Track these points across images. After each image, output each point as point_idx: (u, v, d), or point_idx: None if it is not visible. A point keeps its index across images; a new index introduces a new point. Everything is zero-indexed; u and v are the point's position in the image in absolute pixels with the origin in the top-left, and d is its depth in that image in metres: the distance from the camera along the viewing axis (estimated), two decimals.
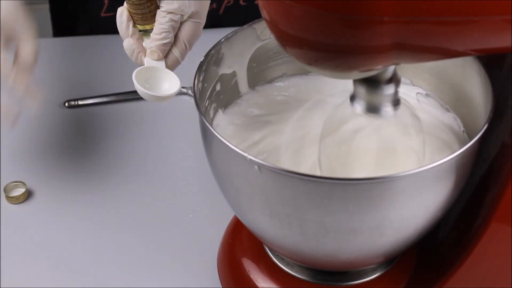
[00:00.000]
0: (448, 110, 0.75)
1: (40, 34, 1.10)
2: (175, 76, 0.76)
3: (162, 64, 0.77)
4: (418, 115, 0.67)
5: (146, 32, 0.84)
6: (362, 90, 0.61)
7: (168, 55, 0.77)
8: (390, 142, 0.69)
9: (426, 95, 0.76)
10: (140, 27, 0.85)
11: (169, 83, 0.76)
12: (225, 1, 1.18)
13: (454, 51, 0.56)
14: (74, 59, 1.15)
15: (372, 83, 0.61)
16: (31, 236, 0.87)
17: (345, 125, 0.69)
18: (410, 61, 0.58)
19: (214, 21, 1.19)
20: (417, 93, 0.76)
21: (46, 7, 1.28)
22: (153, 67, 0.76)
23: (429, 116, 0.74)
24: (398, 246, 0.68)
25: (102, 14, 1.19)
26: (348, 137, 0.69)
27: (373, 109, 0.62)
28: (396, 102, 0.63)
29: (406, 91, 0.76)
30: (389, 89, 0.61)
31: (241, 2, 1.18)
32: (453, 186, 0.64)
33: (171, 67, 0.77)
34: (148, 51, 0.77)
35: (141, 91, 0.73)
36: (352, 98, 0.63)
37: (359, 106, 0.63)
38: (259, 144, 0.74)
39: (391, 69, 0.60)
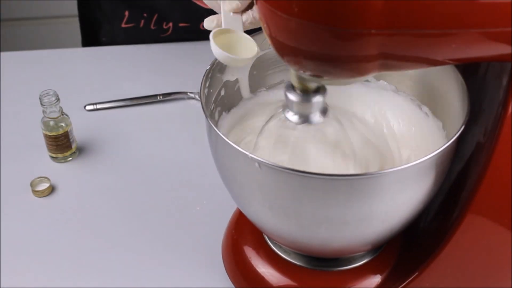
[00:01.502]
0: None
1: (71, 44, 1.10)
2: (252, 40, 0.69)
3: (239, 25, 0.70)
4: (342, 121, 0.68)
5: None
6: (293, 100, 0.62)
7: (245, 12, 0.71)
8: (325, 145, 0.69)
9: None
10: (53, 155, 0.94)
11: (246, 48, 0.69)
12: None
13: (434, 60, 0.56)
14: (95, 67, 1.15)
15: (302, 93, 0.62)
16: (53, 226, 0.88)
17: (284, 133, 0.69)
18: (395, 69, 0.58)
19: None
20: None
21: (76, 20, 1.29)
22: (230, 29, 0.69)
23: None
24: (384, 235, 0.68)
25: (123, 25, 1.19)
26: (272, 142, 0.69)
27: (304, 117, 0.63)
28: (324, 110, 0.63)
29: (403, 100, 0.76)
30: (317, 98, 0.62)
31: None
32: (433, 182, 0.64)
33: (247, 25, 0.71)
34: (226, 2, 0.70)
35: (219, 52, 0.66)
36: (284, 108, 0.64)
37: (292, 116, 0.64)
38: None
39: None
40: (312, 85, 0.62)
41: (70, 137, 0.95)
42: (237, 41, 0.70)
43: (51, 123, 0.93)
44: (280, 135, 0.68)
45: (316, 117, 0.64)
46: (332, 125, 0.67)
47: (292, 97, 0.63)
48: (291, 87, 0.63)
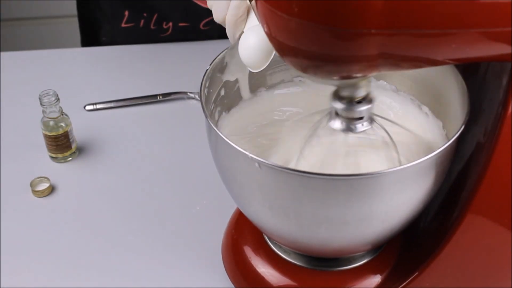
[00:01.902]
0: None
1: (71, 44, 1.10)
2: None
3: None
4: (389, 133, 0.67)
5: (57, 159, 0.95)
6: (339, 108, 0.62)
7: None
8: (358, 157, 0.69)
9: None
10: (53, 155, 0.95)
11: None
12: None
13: (434, 60, 0.56)
14: (95, 67, 1.15)
15: (348, 102, 0.61)
16: (53, 226, 0.88)
17: (323, 140, 0.69)
18: (394, 69, 0.58)
19: (223, 33, 1.19)
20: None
21: (75, 20, 1.29)
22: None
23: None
24: (384, 235, 0.68)
25: (122, 25, 1.19)
26: (324, 151, 0.69)
27: (348, 125, 0.63)
28: (370, 119, 0.63)
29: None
30: (363, 107, 0.62)
31: None
32: (433, 182, 0.64)
33: None
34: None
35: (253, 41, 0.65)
36: (330, 114, 0.63)
37: (335, 123, 0.63)
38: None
39: (365, 88, 0.61)
40: (359, 94, 0.61)
41: (70, 137, 0.95)
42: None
43: (51, 123, 0.93)
44: (331, 144, 0.68)
45: (362, 125, 0.63)
46: (378, 132, 0.67)
47: (338, 105, 0.62)
48: (337, 96, 0.62)
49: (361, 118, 0.62)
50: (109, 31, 1.21)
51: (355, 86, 0.61)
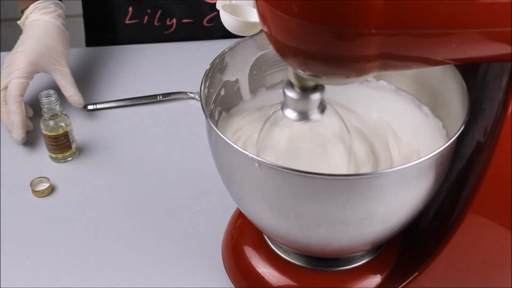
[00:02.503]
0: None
1: (74, 44, 1.11)
2: None
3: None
4: (343, 118, 0.68)
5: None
6: (292, 98, 0.62)
7: None
8: (320, 143, 0.69)
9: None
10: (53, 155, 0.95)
11: (254, 17, 0.71)
12: None
13: (434, 60, 0.56)
14: (95, 67, 1.15)
15: (301, 91, 0.62)
16: (53, 226, 0.88)
17: (279, 131, 0.69)
18: (395, 69, 0.58)
19: (226, 30, 1.19)
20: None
21: (77, 20, 1.29)
22: (238, 4, 0.72)
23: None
24: (384, 235, 0.68)
25: (127, 21, 1.18)
26: (282, 141, 0.70)
27: (303, 114, 0.63)
28: (322, 108, 0.63)
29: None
30: (315, 96, 0.62)
31: None
32: (433, 181, 0.64)
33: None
34: None
35: (228, 18, 0.69)
36: (283, 106, 0.64)
37: (290, 113, 0.63)
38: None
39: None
40: (311, 82, 0.62)
41: (70, 137, 0.95)
42: (246, 16, 0.72)
43: (51, 123, 0.93)
44: (276, 134, 0.68)
45: (314, 114, 0.64)
46: (332, 120, 0.67)
47: (291, 94, 0.63)
48: (289, 85, 0.63)
49: (312, 107, 0.63)
50: (114, 27, 1.21)
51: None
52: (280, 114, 0.65)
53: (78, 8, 1.31)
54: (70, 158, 0.96)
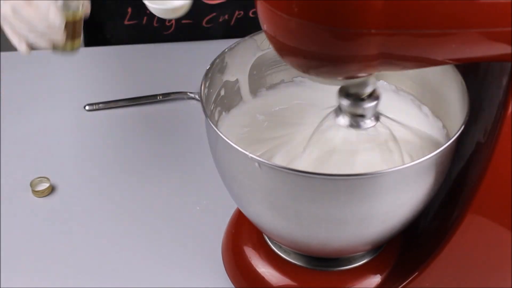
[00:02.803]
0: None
1: None
2: None
3: None
4: (394, 131, 0.68)
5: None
6: (345, 104, 0.62)
7: None
8: (372, 152, 0.70)
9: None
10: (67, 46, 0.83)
11: (177, 2, 0.74)
12: (236, 14, 1.18)
13: (434, 60, 0.56)
14: (95, 67, 1.15)
15: (355, 98, 0.61)
16: (53, 226, 0.88)
17: (329, 136, 0.69)
18: (395, 69, 0.58)
19: (226, 31, 1.19)
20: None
21: None
22: None
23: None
24: (384, 235, 0.68)
25: (126, 22, 1.18)
26: (330, 147, 0.70)
27: (355, 122, 0.63)
28: (376, 116, 0.63)
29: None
30: (370, 104, 0.62)
31: (250, 14, 1.18)
32: (433, 181, 0.64)
33: None
34: None
35: (152, 7, 0.72)
36: (336, 111, 0.64)
37: (342, 120, 0.63)
38: (266, 143, 0.74)
39: (371, 85, 0.61)
40: (365, 90, 0.61)
41: (78, 26, 0.84)
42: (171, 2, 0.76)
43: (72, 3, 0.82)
44: (332, 141, 0.69)
45: (367, 122, 0.63)
46: (382, 131, 0.67)
47: (345, 102, 0.62)
48: (343, 92, 0.62)
49: (365, 115, 0.63)
50: (113, 28, 1.21)
51: (362, 83, 0.61)
52: (328, 121, 0.65)
53: None
54: (76, 49, 0.85)
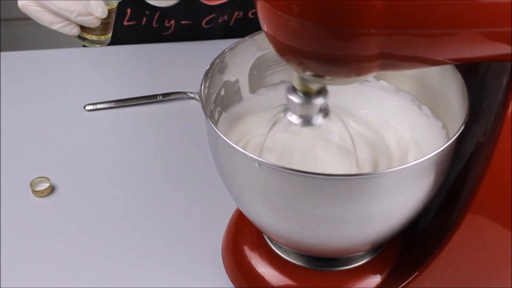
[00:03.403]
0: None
1: (71, 44, 1.10)
2: None
3: None
4: (347, 124, 0.68)
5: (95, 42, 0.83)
6: (295, 103, 0.62)
7: None
8: (323, 148, 0.70)
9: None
10: (95, 37, 0.83)
11: None
12: (235, 14, 1.18)
13: (434, 60, 0.56)
14: (95, 67, 1.15)
15: (304, 96, 0.62)
16: (53, 226, 0.88)
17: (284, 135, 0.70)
18: (395, 69, 0.58)
19: (225, 32, 1.19)
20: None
21: None
22: None
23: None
24: (384, 235, 0.68)
25: (125, 23, 1.18)
26: (280, 146, 0.70)
27: (306, 119, 0.63)
28: (325, 112, 0.63)
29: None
30: (319, 100, 0.62)
31: (250, 15, 1.18)
32: (433, 181, 0.64)
33: None
34: None
35: None
36: (286, 110, 0.64)
37: (293, 118, 0.63)
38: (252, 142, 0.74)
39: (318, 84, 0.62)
40: (314, 86, 0.62)
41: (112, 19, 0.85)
42: None
43: None
44: (286, 142, 0.68)
45: (319, 118, 0.64)
46: (336, 124, 0.67)
47: (295, 99, 0.62)
48: (293, 90, 0.63)
49: (314, 112, 0.63)
50: (112, 29, 1.21)
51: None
52: (283, 119, 0.65)
53: None
54: (108, 39, 0.86)
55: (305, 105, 0.63)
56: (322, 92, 0.62)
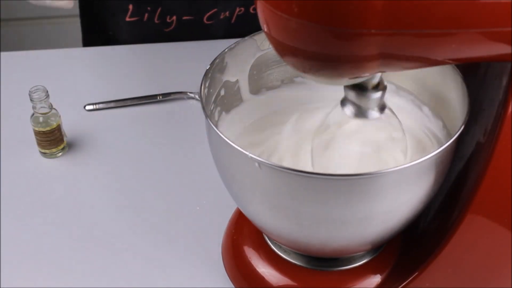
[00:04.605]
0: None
1: (71, 44, 1.11)
2: None
3: None
4: (400, 120, 0.68)
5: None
6: (351, 95, 0.62)
7: None
8: (374, 144, 0.69)
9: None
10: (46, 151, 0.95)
11: None
12: (237, 11, 1.18)
13: (434, 60, 0.56)
14: (95, 67, 1.15)
15: (361, 89, 0.61)
16: (53, 226, 0.88)
17: (335, 128, 0.69)
18: (395, 69, 0.58)
19: (227, 30, 1.19)
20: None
21: (76, 20, 1.29)
22: None
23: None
24: (384, 235, 0.68)
25: (127, 19, 1.18)
26: (335, 139, 0.70)
27: (361, 112, 0.63)
28: (382, 107, 0.63)
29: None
30: (376, 95, 0.62)
31: (251, 10, 1.18)
32: (433, 181, 0.64)
33: None
34: None
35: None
36: (343, 102, 0.63)
37: (348, 110, 0.63)
38: (261, 145, 0.74)
39: (377, 76, 0.61)
40: (372, 81, 0.61)
41: (62, 130, 0.95)
42: None
43: (41, 119, 0.93)
44: (342, 134, 0.69)
45: (374, 113, 0.63)
46: (392, 120, 0.67)
47: (351, 93, 0.62)
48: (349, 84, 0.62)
49: (371, 106, 0.63)
50: (114, 25, 1.21)
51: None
52: (337, 112, 0.65)
53: (73, 8, 1.30)
54: (60, 154, 0.96)
55: (361, 99, 0.62)
56: (379, 86, 0.62)
